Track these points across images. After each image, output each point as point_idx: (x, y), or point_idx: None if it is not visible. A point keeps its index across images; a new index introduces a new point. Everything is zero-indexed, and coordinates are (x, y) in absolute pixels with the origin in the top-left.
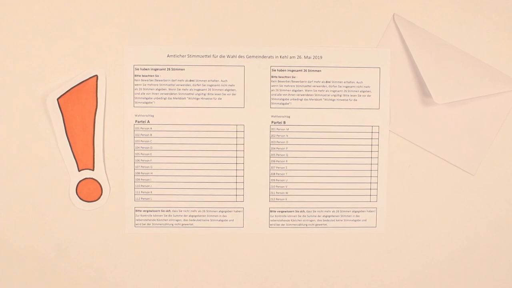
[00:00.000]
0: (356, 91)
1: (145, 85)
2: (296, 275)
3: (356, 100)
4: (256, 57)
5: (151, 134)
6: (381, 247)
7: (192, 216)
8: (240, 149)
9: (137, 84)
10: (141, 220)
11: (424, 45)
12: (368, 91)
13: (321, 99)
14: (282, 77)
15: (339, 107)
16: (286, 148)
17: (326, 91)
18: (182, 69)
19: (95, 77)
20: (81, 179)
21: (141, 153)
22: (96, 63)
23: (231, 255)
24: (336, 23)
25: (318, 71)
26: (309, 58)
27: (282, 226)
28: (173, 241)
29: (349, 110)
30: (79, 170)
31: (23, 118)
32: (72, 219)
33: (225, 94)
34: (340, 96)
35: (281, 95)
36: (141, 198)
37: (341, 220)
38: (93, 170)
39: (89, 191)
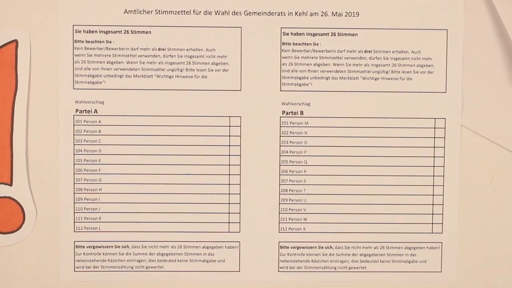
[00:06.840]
0: (412, 66)
1: (91, 55)
2: None
3: (410, 79)
4: (259, 14)
5: (99, 131)
6: None
7: (161, 254)
8: (235, 153)
9: (79, 55)
10: (84, 261)
11: None
12: (429, 66)
13: (357, 78)
14: (299, 44)
15: (384, 90)
16: (305, 151)
17: (365, 65)
18: (147, 32)
19: (14, 43)
20: None
21: (84, 159)
22: (17, 22)
23: None
24: None
25: (353, 35)
26: (340, 15)
27: (299, 269)
28: None
29: (400, 95)
30: None
31: None
32: None
33: (212, 71)
34: (387, 73)
35: (297, 71)
36: (85, 228)
37: (388, 262)
38: (10, 185)
39: (5, 217)
